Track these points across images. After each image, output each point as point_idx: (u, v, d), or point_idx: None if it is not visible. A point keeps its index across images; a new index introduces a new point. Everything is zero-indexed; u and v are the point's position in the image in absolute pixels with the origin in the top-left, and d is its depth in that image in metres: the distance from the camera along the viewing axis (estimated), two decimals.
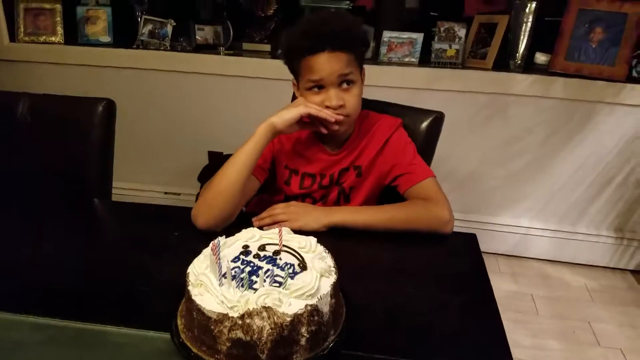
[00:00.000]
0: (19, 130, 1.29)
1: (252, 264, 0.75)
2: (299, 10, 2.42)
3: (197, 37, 2.41)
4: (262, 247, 0.80)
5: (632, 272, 2.31)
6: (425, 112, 1.31)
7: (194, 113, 2.47)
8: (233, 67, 2.35)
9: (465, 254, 1.04)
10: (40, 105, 1.31)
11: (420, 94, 2.20)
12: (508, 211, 2.39)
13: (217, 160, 2.34)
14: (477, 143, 2.30)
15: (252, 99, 2.35)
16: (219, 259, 0.72)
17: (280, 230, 0.81)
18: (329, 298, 0.71)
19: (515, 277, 2.27)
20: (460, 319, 0.84)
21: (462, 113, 2.23)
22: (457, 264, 1.01)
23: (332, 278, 0.74)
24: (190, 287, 0.71)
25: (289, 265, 0.75)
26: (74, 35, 2.45)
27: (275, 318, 0.66)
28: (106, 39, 2.45)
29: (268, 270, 0.74)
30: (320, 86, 1.11)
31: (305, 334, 0.68)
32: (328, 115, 1.09)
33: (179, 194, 2.60)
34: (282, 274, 0.72)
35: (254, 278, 0.71)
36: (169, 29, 2.39)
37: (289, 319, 0.66)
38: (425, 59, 2.28)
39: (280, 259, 0.77)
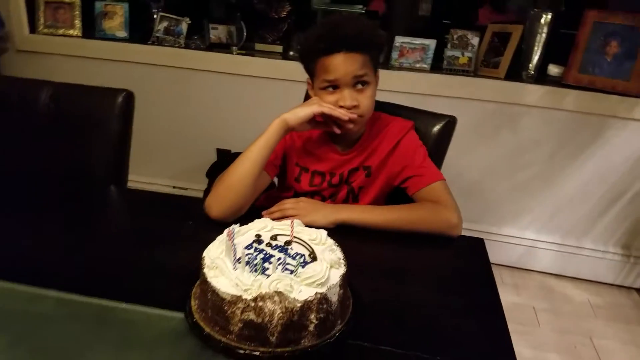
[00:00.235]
0: (41, 117, 1.32)
1: (264, 252, 0.77)
2: (312, 13, 2.45)
3: (210, 35, 2.44)
4: (274, 237, 0.82)
5: (638, 290, 2.30)
6: (438, 116, 1.33)
7: (204, 110, 2.51)
8: (245, 66, 2.38)
9: (472, 257, 1.05)
10: (63, 94, 1.34)
11: (431, 100, 2.21)
12: (513, 222, 2.39)
13: (225, 158, 2.37)
14: (485, 152, 2.31)
15: (262, 98, 2.38)
16: (234, 244, 0.74)
17: (292, 222, 0.83)
18: (338, 288, 0.73)
19: (517, 289, 2.28)
20: (465, 320, 0.85)
21: (471, 121, 2.24)
22: (464, 267, 1.03)
23: (341, 270, 0.76)
24: (206, 270, 0.73)
25: (299, 255, 0.77)
26: (91, 29, 2.50)
27: (286, 303, 0.67)
28: (122, 34, 2.49)
29: (280, 258, 0.76)
30: (334, 86, 1.13)
31: (314, 321, 0.70)
32: (342, 114, 1.10)
33: (187, 189, 2.63)
34: (294, 262, 0.74)
35: (266, 265, 0.73)
36: (184, 26, 2.42)
37: (299, 305, 0.68)
38: (437, 66, 2.30)
39: (291, 248, 0.79)
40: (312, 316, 0.70)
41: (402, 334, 0.79)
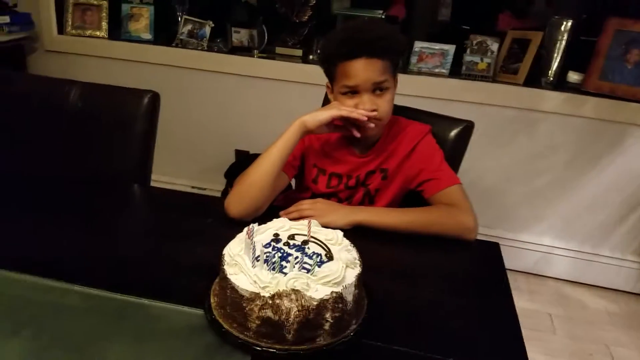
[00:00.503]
0: (69, 116, 1.37)
1: (282, 251, 0.80)
2: (332, 18, 2.48)
3: (233, 39, 2.48)
4: (291, 237, 0.85)
5: None
6: (455, 121, 1.34)
7: (225, 112, 2.55)
8: (265, 69, 2.42)
9: (487, 262, 1.06)
10: (90, 94, 1.38)
11: (449, 104, 2.22)
12: (530, 228, 2.39)
13: (243, 159, 2.40)
14: (502, 157, 2.31)
15: (281, 101, 2.41)
16: (254, 242, 0.76)
17: (309, 222, 0.85)
18: (353, 288, 0.75)
19: (532, 295, 2.27)
20: (479, 323, 0.86)
21: (490, 126, 2.24)
22: (479, 271, 1.04)
23: (357, 270, 0.78)
24: (225, 267, 0.76)
25: (316, 255, 0.79)
26: (117, 30, 2.56)
27: (302, 301, 0.70)
28: (147, 36, 2.54)
29: (297, 257, 0.78)
30: (354, 91, 1.15)
31: (329, 319, 0.72)
32: (360, 114, 1.12)
33: (205, 189, 2.67)
34: (311, 261, 0.77)
35: (284, 263, 0.76)
36: (207, 30, 2.47)
37: (315, 303, 0.70)
38: (456, 71, 2.31)
39: (308, 248, 0.82)
40: (328, 315, 0.72)
41: (416, 335, 0.81)
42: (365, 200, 1.27)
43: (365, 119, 1.13)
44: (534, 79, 2.21)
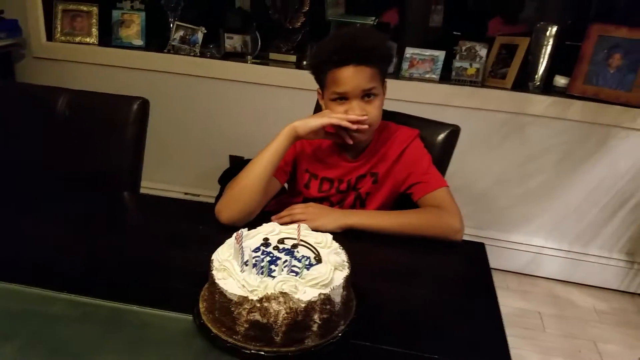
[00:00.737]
0: (57, 124, 1.38)
1: (271, 255, 0.81)
2: (325, 24, 2.50)
3: (226, 45, 2.49)
4: (281, 241, 0.86)
5: None
6: (442, 125, 1.37)
7: (218, 118, 2.56)
8: (259, 75, 2.43)
9: (473, 261, 1.08)
10: (79, 101, 1.39)
11: (440, 109, 2.24)
12: (521, 229, 2.41)
13: (237, 165, 2.41)
14: (493, 160, 2.33)
15: (275, 106, 2.42)
16: (242, 248, 0.78)
17: (298, 226, 0.87)
18: (341, 290, 0.77)
19: (524, 294, 2.29)
20: (464, 321, 0.88)
21: (479, 130, 2.27)
22: (465, 271, 1.06)
23: (345, 272, 0.80)
24: (214, 272, 0.77)
25: (305, 258, 0.81)
26: (108, 37, 2.56)
27: (290, 303, 0.71)
28: (139, 42, 2.55)
29: (286, 260, 0.80)
30: (344, 97, 1.18)
31: (317, 321, 0.74)
32: (350, 125, 1.14)
33: (199, 195, 2.68)
34: (299, 264, 0.78)
35: (273, 267, 0.77)
36: (200, 35, 2.48)
37: (303, 305, 0.72)
38: (446, 77, 2.33)
39: (297, 251, 0.83)
40: (316, 316, 0.73)
41: (403, 334, 0.82)
42: (356, 204, 1.29)
43: (355, 128, 1.15)
44: (522, 84, 2.24)
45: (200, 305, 0.81)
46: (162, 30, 2.54)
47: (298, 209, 1.15)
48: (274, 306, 0.71)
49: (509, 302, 2.22)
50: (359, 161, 1.27)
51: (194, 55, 2.47)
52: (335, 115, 1.15)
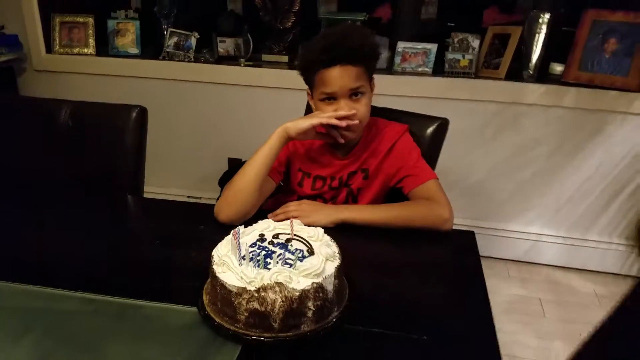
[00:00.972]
0: (61, 134, 1.43)
1: (267, 249, 0.86)
2: (317, 22, 2.54)
3: (219, 49, 2.54)
4: (276, 236, 0.91)
5: None
6: (431, 119, 1.41)
7: (215, 121, 2.60)
8: (253, 77, 2.47)
9: (463, 249, 1.13)
10: (80, 111, 1.45)
11: (434, 102, 2.28)
12: (519, 218, 2.45)
13: (236, 167, 2.46)
14: (489, 151, 2.37)
15: (270, 107, 2.47)
16: (239, 243, 0.82)
17: (291, 222, 0.92)
18: (333, 279, 0.81)
19: (524, 282, 2.33)
20: (453, 304, 0.93)
21: (474, 122, 2.31)
22: (455, 258, 1.11)
23: (336, 262, 0.84)
24: (214, 266, 0.82)
25: (298, 251, 0.85)
26: (104, 47, 2.61)
27: (286, 292, 0.76)
28: (134, 50, 2.60)
29: (280, 254, 0.84)
30: (332, 97, 1.22)
31: (311, 308, 0.78)
32: (339, 122, 1.18)
33: (200, 198, 2.73)
34: (293, 257, 0.83)
35: (268, 260, 0.82)
36: (193, 41, 2.52)
37: (297, 294, 0.76)
38: (439, 69, 2.36)
39: (291, 245, 0.88)
40: (310, 304, 0.78)
41: (394, 317, 0.87)
42: (349, 200, 1.33)
43: (344, 124, 1.18)
44: (516, 73, 2.27)
45: (204, 298, 0.86)
46: (157, 38, 2.59)
47: (292, 206, 1.20)
48: (270, 295, 0.76)
49: (509, 289, 2.26)
50: (350, 158, 1.31)
51: (189, 61, 2.51)
52: (325, 115, 1.19)
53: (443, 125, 1.39)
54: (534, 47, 2.24)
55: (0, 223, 1.17)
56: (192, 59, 2.52)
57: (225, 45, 2.54)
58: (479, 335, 0.83)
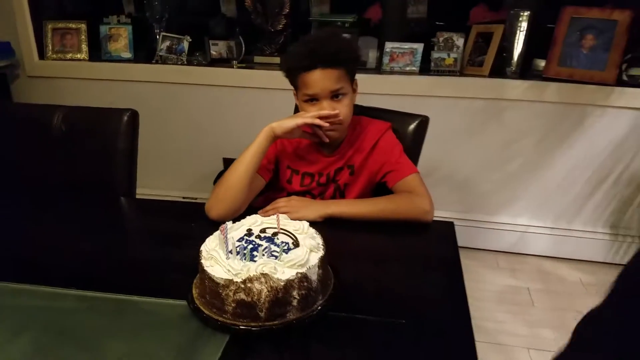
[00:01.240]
0: (55, 138, 1.48)
1: (253, 243, 0.91)
2: (307, 24, 2.59)
3: (211, 51, 2.58)
4: (263, 230, 0.95)
5: None
6: (412, 116, 1.46)
7: (209, 122, 2.65)
8: (245, 79, 2.52)
9: (442, 239, 1.18)
10: (73, 116, 1.49)
11: (422, 100, 2.34)
12: (507, 210, 2.50)
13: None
14: (476, 146, 2.42)
15: (263, 108, 2.52)
16: (227, 238, 0.87)
17: (277, 216, 0.97)
18: (317, 269, 0.86)
19: (513, 272, 2.38)
20: (431, 291, 0.98)
21: (461, 118, 2.37)
22: (436, 247, 1.16)
23: (320, 253, 0.89)
24: (203, 261, 0.87)
25: (284, 244, 0.90)
26: (97, 52, 2.66)
27: (271, 283, 0.81)
28: (127, 55, 2.65)
29: (266, 247, 0.89)
30: (315, 99, 1.27)
31: (296, 297, 0.83)
32: (322, 123, 1.24)
33: (196, 199, 2.77)
34: (278, 249, 0.88)
35: (255, 253, 0.87)
36: (186, 44, 2.57)
37: (282, 284, 0.81)
38: (426, 68, 2.42)
39: (277, 238, 0.92)
40: (295, 293, 0.83)
41: (376, 304, 0.92)
42: (336, 195, 1.38)
43: (327, 125, 1.24)
44: (500, 70, 2.33)
45: (194, 292, 0.91)
46: (149, 42, 2.63)
47: (282, 202, 1.25)
48: (256, 286, 0.81)
49: (499, 280, 2.32)
50: (336, 155, 1.37)
51: (181, 64, 2.56)
52: (309, 115, 1.25)
53: (423, 122, 1.45)
54: (516, 45, 2.31)
55: None
56: (185, 62, 2.57)
57: (218, 48, 2.59)
58: (454, 318, 0.88)
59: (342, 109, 1.27)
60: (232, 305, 0.82)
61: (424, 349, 0.81)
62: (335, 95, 1.27)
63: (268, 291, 0.81)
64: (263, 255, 0.86)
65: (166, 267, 1.05)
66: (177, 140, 2.72)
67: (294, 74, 1.29)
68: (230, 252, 0.86)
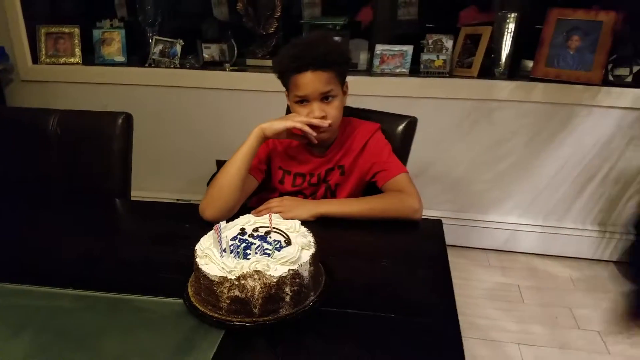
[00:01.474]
0: (50, 142, 1.50)
1: (246, 241, 0.94)
2: (299, 27, 2.62)
3: (204, 55, 2.61)
4: (256, 229, 0.98)
5: (615, 262, 2.46)
6: (401, 117, 1.49)
7: (202, 125, 2.67)
8: (238, 81, 2.54)
9: (431, 236, 1.21)
10: (68, 120, 1.51)
11: (412, 102, 2.37)
12: (497, 209, 2.54)
13: None
14: (466, 146, 2.46)
15: (255, 110, 2.54)
16: (221, 237, 0.90)
17: (270, 215, 0.99)
18: (309, 266, 0.89)
19: (504, 270, 2.42)
20: (419, 286, 1.01)
21: (450, 119, 2.40)
22: (424, 245, 1.19)
23: (311, 250, 0.92)
24: (197, 259, 0.89)
25: (276, 242, 0.93)
26: (91, 56, 2.67)
27: (264, 279, 0.84)
28: (121, 58, 2.66)
29: (259, 245, 0.92)
30: (305, 100, 1.30)
31: (289, 293, 0.86)
32: (311, 131, 1.27)
33: (190, 201, 2.79)
34: (270, 247, 0.90)
35: (248, 251, 0.89)
36: (178, 48, 2.59)
37: (275, 280, 0.84)
38: (416, 70, 2.45)
39: (270, 237, 0.95)
40: (287, 289, 0.86)
41: (366, 300, 0.95)
42: (327, 195, 1.41)
43: (315, 134, 1.27)
44: (488, 71, 2.36)
45: (189, 290, 0.93)
46: (142, 46, 2.65)
47: (274, 202, 1.28)
48: (249, 283, 0.83)
49: (490, 277, 2.36)
50: (327, 156, 1.40)
51: (174, 67, 2.58)
52: (299, 119, 1.27)
53: (412, 123, 1.48)
54: (504, 46, 2.34)
55: None
56: (178, 65, 2.59)
57: (210, 51, 2.61)
58: (442, 312, 0.91)
59: (331, 111, 1.30)
60: (227, 302, 0.85)
61: (413, 341, 0.84)
62: (325, 97, 1.30)
63: (261, 288, 0.84)
64: (256, 253, 0.89)
65: (162, 267, 1.07)
66: (170, 142, 2.74)
67: (285, 76, 1.32)
68: (224, 250, 0.89)
